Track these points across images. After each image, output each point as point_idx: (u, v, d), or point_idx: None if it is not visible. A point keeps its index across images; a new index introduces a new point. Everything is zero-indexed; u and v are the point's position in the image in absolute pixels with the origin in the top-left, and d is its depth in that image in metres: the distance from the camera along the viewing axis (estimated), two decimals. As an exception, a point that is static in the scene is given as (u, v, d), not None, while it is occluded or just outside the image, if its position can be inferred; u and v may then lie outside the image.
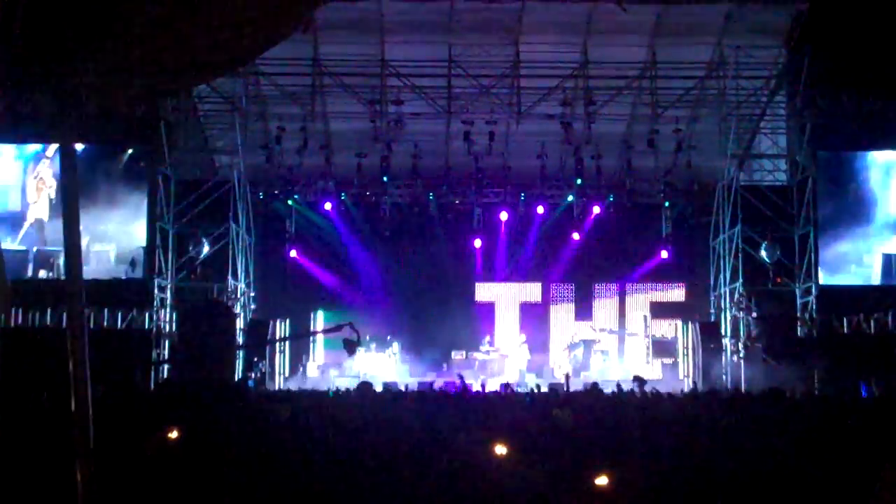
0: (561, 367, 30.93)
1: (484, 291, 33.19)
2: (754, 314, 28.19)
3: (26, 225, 28.58)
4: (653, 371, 30.01)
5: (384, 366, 29.70)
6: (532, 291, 33.12)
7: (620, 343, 31.91)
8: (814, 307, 28.56)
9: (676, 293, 32.73)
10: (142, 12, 3.17)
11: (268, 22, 3.43)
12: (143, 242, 28.82)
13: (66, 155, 3.63)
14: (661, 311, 32.29)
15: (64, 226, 3.83)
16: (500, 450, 9.52)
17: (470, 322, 32.38)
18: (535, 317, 32.95)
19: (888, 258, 29.32)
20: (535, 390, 21.71)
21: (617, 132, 30.07)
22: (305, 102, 28.37)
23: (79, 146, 3.77)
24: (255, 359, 28.00)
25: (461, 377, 22.89)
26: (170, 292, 28.85)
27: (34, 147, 28.82)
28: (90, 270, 26.72)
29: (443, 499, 8.50)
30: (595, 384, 21.46)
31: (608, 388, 20.20)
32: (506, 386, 22.29)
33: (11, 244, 27.65)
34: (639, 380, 23.64)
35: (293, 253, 32.18)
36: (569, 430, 11.55)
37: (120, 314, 27.44)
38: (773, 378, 25.25)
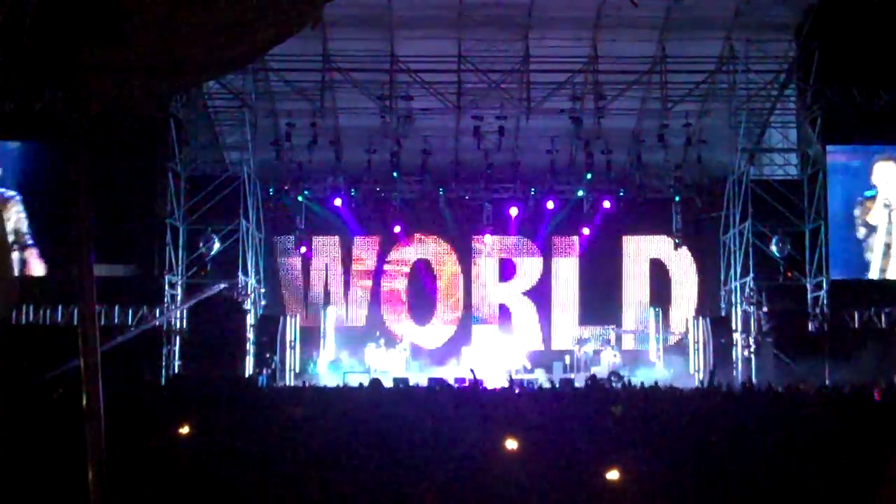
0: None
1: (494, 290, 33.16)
2: (765, 309, 28.15)
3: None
4: (661, 367, 30.10)
5: (395, 362, 29.75)
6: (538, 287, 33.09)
7: (617, 340, 31.82)
8: (825, 302, 28.51)
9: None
10: (149, 9, 3.17)
11: (277, 18, 3.43)
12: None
13: (76, 153, 3.63)
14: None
15: (74, 224, 3.83)
16: (511, 444, 9.53)
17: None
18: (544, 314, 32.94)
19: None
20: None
21: (627, 127, 30.03)
22: (315, 98, 28.37)
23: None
24: (267, 355, 28.07)
25: (473, 372, 22.85)
26: (180, 289, 28.92)
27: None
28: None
29: (453, 494, 8.50)
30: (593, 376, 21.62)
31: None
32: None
33: None
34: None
35: (303, 249, 32.21)
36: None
37: (131, 311, 27.52)
38: (784, 373, 25.27)
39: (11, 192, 27.79)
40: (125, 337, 24.71)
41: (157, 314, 27.79)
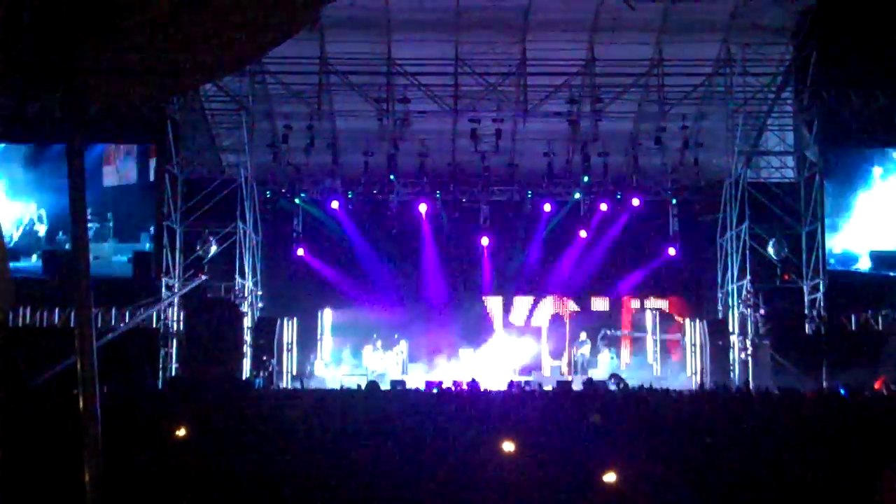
0: (568, 364, 31.01)
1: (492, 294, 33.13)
2: (762, 311, 28.15)
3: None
4: (658, 369, 30.16)
5: (391, 364, 29.74)
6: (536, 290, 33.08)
7: (615, 343, 31.78)
8: (822, 304, 28.53)
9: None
10: (149, 11, 3.17)
11: (274, 20, 3.43)
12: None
13: (73, 154, 3.63)
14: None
15: (71, 225, 3.83)
16: (508, 447, 9.54)
17: (478, 320, 32.41)
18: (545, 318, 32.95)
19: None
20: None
21: (624, 130, 30.05)
22: (312, 101, 28.34)
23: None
24: (264, 357, 28.03)
25: (474, 381, 22.81)
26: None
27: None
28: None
29: (451, 496, 8.50)
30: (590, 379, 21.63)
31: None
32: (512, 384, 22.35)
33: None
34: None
35: (300, 251, 32.19)
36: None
37: (128, 313, 27.48)
38: (781, 375, 25.29)
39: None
40: (113, 335, 24.64)
41: (141, 312, 27.52)
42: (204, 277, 28.25)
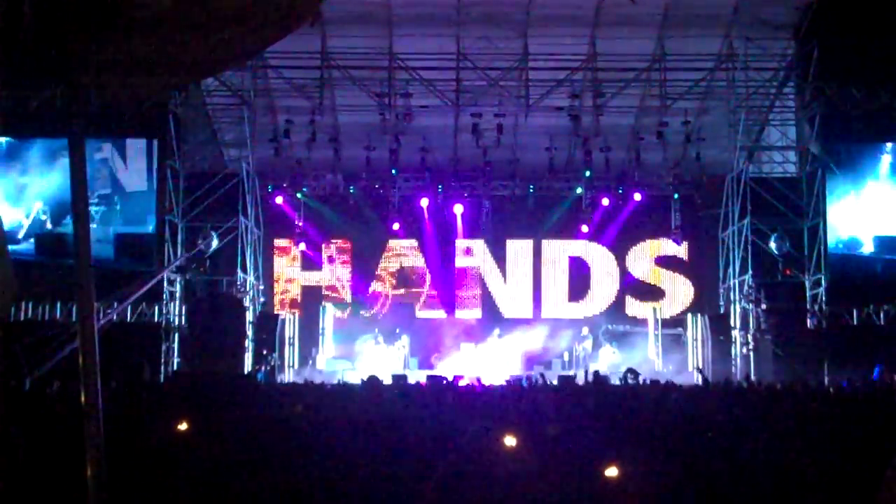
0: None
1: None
2: (764, 306, 28.13)
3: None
4: (659, 364, 30.11)
5: (393, 359, 29.72)
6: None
7: (617, 337, 31.74)
8: (823, 299, 28.52)
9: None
10: (150, 6, 3.17)
11: (276, 15, 3.43)
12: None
13: (75, 148, 3.63)
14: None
15: (73, 220, 3.84)
16: (510, 441, 9.54)
17: (480, 314, 32.47)
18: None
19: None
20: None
21: (625, 124, 30.02)
22: (314, 95, 28.36)
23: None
24: (265, 351, 28.03)
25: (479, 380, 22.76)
26: (179, 286, 28.87)
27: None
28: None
29: (452, 491, 8.51)
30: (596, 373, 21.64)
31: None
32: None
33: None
34: (632, 372, 23.68)
35: (302, 246, 32.16)
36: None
37: (129, 307, 27.44)
38: (782, 370, 25.29)
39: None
40: (104, 321, 24.45)
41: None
42: (186, 256, 28.10)
